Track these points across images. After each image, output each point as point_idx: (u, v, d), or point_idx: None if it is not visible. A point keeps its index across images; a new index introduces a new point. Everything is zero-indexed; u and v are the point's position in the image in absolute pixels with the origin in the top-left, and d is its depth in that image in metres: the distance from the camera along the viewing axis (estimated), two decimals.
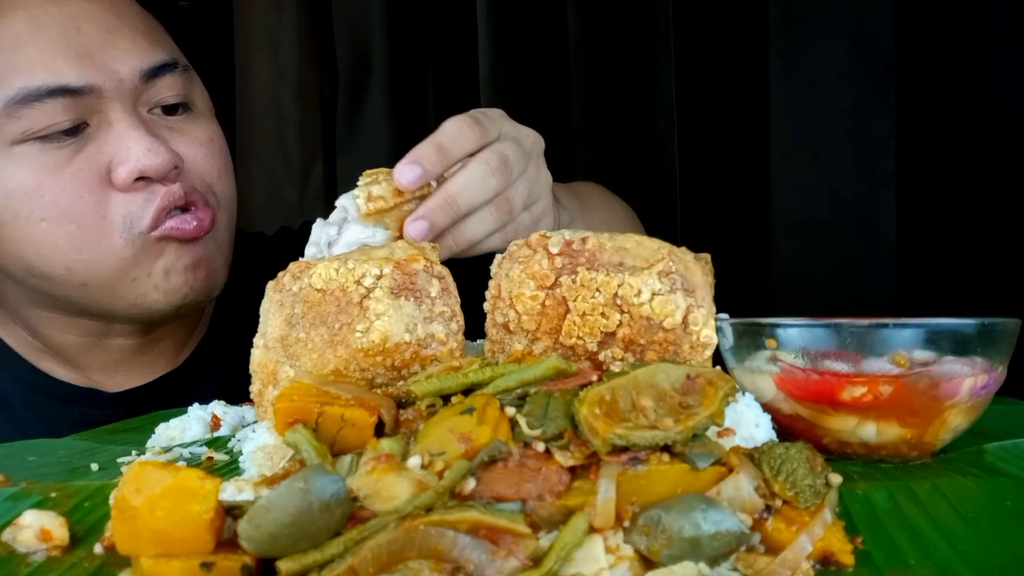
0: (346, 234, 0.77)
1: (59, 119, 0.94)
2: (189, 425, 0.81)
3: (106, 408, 1.11)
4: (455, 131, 0.81)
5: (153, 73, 0.99)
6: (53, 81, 0.93)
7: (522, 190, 0.85)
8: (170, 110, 1.02)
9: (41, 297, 1.05)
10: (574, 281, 0.64)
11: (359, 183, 0.79)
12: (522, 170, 0.85)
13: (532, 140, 0.89)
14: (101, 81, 0.95)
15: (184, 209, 1.00)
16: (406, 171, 0.76)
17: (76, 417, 1.08)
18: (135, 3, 1.05)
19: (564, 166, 1.69)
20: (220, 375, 1.13)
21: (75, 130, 0.95)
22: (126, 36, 0.99)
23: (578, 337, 0.64)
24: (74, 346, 1.11)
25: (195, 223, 1.00)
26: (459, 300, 0.68)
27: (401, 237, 0.77)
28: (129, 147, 0.95)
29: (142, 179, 0.97)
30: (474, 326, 0.69)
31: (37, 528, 0.54)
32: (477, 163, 0.81)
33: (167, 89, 1.01)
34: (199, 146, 1.04)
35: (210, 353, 1.19)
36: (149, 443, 0.79)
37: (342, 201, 0.79)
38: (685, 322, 0.63)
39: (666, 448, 0.52)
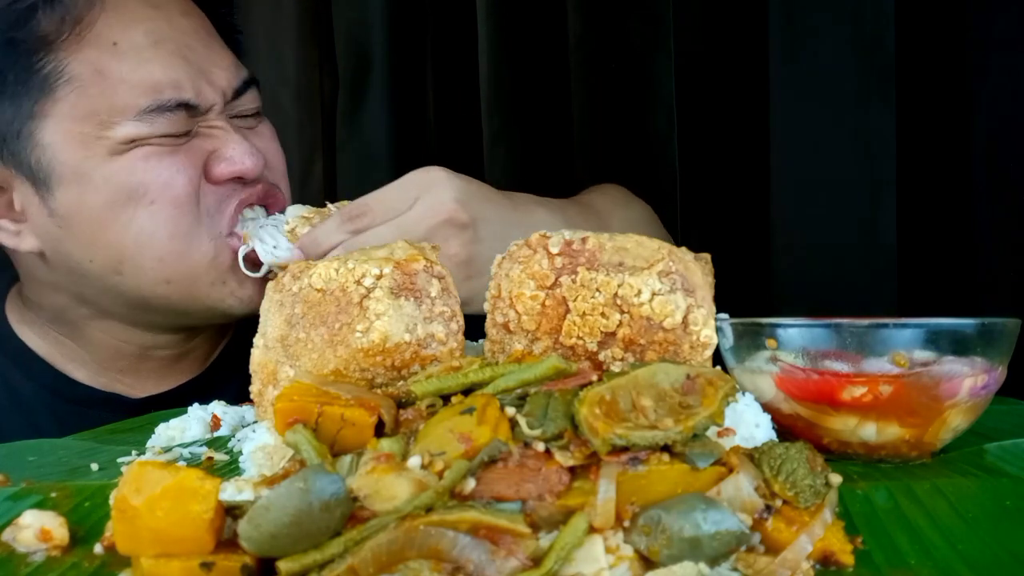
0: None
1: (176, 128, 1.01)
2: (189, 425, 0.82)
3: (127, 414, 1.12)
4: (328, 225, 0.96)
5: (242, 89, 1.08)
6: (179, 97, 1.01)
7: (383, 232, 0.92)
8: (245, 116, 1.11)
9: (112, 301, 1.08)
10: (574, 281, 0.64)
11: (294, 218, 1.00)
12: (391, 212, 0.92)
13: (433, 175, 0.95)
14: (213, 98, 1.04)
15: (263, 206, 1.08)
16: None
17: (96, 423, 1.09)
18: (207, 20, 1.13)
19: (564, 166, 1.69)
20: (241, 381, 1.15)
21: (183, 136, 1.03)
22: (219, 53, 1.08)
23: (578, 337, 0.64)
24: (112, 351, 1.14)
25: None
26: (459, 300, 0.68)
27: None
28: (233, 148, 1.04)
29: (234, 179, 1.05)
30: (474, 326, 0.69)
31: (37, 528, 0.54)
32: (333, 215, 0.94)
33: (249, 102, 1.10)
34: (271, 144, 1.14)
35: (232, 359, 1.21)
36: (149, 443, 0.79)
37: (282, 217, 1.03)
38: (685, 322, 0.63)
39: (666, 448, 0.52)
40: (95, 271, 1.05)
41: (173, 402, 1.12)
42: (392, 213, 0.91)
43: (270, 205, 1.09)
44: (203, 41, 1.06)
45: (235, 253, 1.05)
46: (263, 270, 1.03)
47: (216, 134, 1.05)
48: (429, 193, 0.91)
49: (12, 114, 0.99)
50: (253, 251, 1.03)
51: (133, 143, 1.00)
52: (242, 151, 1.04)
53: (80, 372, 1.15)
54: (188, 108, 1.01)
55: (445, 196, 0.91)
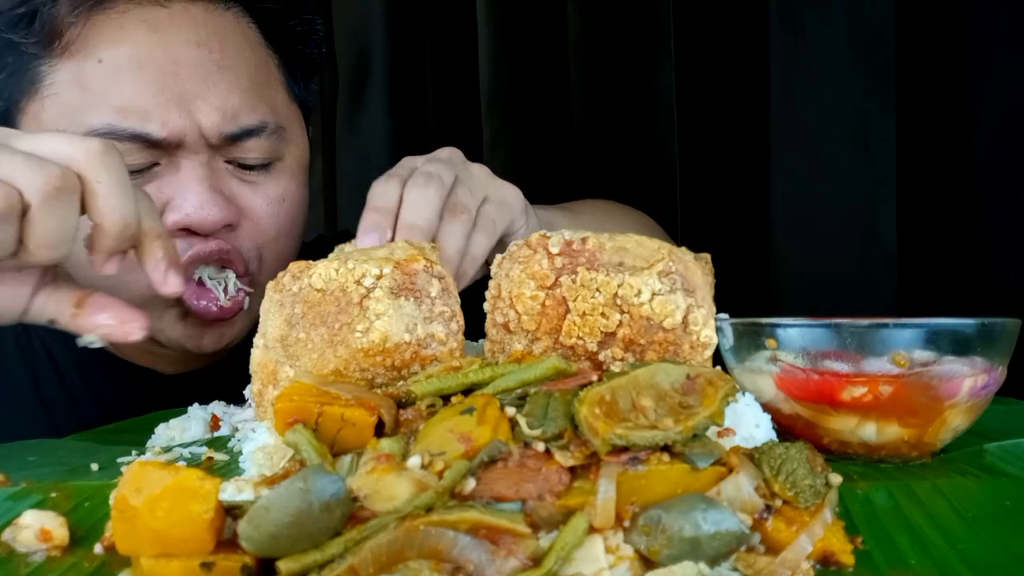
0: None
1: (133, 160, 0.94)
2: (189, 425, 0.82)
3: (160, 389, 1.13)
4: (381, 191, 0.84)
5: (236, 137, 0.99)
6: (138, 128, 0.94)
7: (464, 191, 0.86)
8: (249, 166, 1.02)
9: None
10: (574, 281, 0.64)
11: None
12: (452, 176, 0.86)
13: (447, 154, 0.91)
14: (182, 133, 0.96)
15: (219, 266, 1.00)
16: (367, 240, 0.79)
17: (129, 396, 1.10)
18: (254, 49, 1.04)
19: (564, 166, 1.70)
20: None
21: (144, 169, 0.96)
22: (221, 92, 0.98)
23: (578, 337, 0.64)
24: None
25: (216, 310, 1.00)
26: (459, 300, 0.68)
27: None
28: (186, 197, 0.96)
29: (187, 230, 0.97)
30: (474, 326, 0.69)
31: (37, 528, 0.54)
32: (409, 189, 0.83)
33: (250, 151, 1.01)
34: (267, 204, 1.03)
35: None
36: (149, 443, 0.80)
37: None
38: (685, 322, 0.63)
39: (666, 448, 0.52)
40: None
41: (204, 380, 1.12)
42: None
43: (221, 293, 0.99)
44: (202, 73, 0.98)
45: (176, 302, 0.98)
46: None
47: (179, 177, 0.97)
48: (407, 165, 0.89)
49: (6, 101, 0.99)
50: None
51: None
52: (196, 201, 0.95)
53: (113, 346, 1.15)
54: (147, 142, 0.94)
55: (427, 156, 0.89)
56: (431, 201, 0.82)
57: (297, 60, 1.10)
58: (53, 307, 0.76)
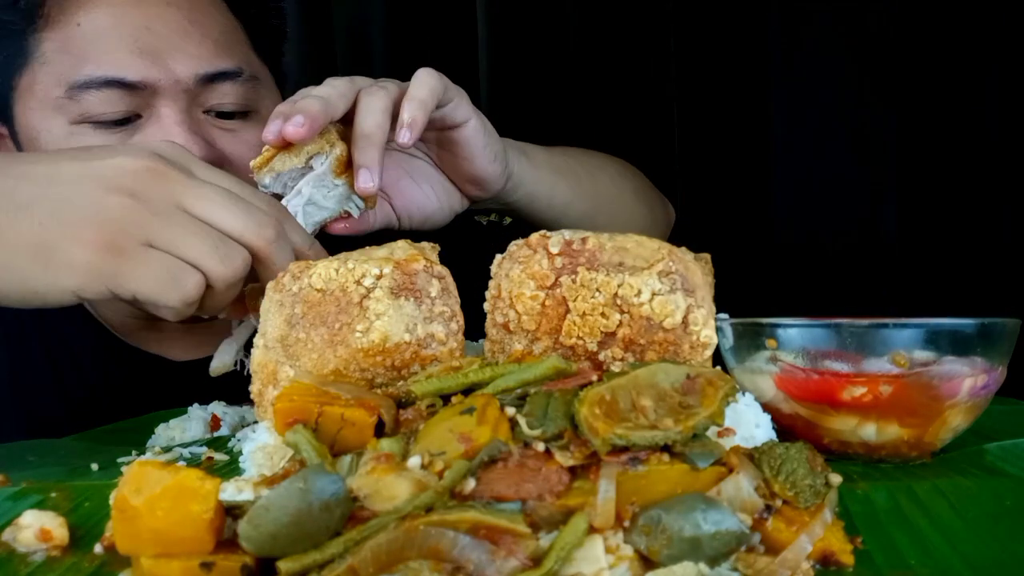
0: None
1: (114, 108, 0.99)
2: (189, 425, 0.82)
3: (170, 376, 1.14)
4: (296, 93, 0.88)
5: (211, 79, 1.03)
6: (113, 73, 0.99)
7: (384, 82, 0.89)
8: (227, 115, 1.06)
9: None
10: (574, 281, 0.64)
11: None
12: (370, 84, 0.90)
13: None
14: (157, 79, 1.00)
15: None
16: (270, 128, 0.82)
17: (142, 382, 1.13)
18: (222, 13, 1.09)
19: None
20: None
21: (126, 120, 1.00)
22: (195, 41, 1.03)
23: (578, 337, 0.64)
24: (126, 323, 1.15)
25: None
26: (459, 300, 0.68)
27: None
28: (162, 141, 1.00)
29: None
30: (474, 326, 0.69)
31: (37, 528, 0.54)
32: (323, 84, 0.88)
33: (225, 96, 1.05)
34: (248, 149, 1.06)
35: None
36: (149, 443, 0.80)
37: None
38: (685, 322, 0.63)
39: (666, 448, 0.52)
40: None
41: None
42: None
43: None
44: (175, 27, 1.03)
45: None
46: None
47: (161, 124, 1.00)
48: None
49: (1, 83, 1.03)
50: None
51: (72, 123, 0.99)
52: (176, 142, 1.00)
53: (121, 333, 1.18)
54: (124, 86, 0.98)
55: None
56: (336, 85, 0.87)
57: (260, 29, 1.15)
58: None
